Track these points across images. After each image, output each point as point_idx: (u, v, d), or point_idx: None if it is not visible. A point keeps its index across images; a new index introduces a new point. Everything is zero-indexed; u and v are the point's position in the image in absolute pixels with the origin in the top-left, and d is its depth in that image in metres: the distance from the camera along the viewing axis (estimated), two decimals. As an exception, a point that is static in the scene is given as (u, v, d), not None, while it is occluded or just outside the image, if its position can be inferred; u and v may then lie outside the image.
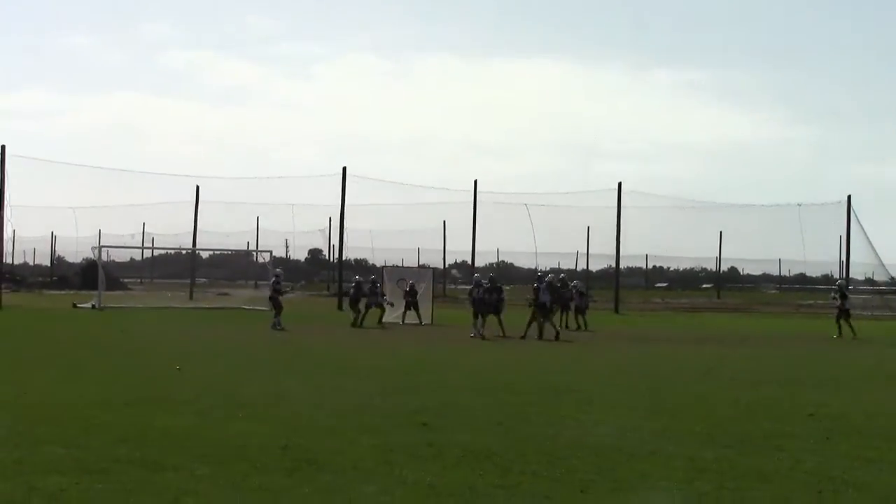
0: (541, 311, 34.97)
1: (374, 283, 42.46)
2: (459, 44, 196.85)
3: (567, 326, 39.50)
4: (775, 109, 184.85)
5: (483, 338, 33.65)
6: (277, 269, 43.47)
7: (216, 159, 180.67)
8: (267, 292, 42.31)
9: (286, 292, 41.75)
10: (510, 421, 14.33)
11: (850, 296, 40.56)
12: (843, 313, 38.42)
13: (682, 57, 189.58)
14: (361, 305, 41.21)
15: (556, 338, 33.83)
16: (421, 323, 42.13)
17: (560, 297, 38.42)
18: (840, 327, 37.77)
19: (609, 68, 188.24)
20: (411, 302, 43.35)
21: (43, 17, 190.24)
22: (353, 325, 39.75)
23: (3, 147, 52.33)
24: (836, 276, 69.79)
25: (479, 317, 35.27)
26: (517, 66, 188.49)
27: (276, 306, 38.57)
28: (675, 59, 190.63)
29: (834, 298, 39.72)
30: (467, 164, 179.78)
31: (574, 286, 42.12)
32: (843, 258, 67.82)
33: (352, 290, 42.32)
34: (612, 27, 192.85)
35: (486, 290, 36.23)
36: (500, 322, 35.22)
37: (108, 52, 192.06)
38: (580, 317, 41.05)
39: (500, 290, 36.72)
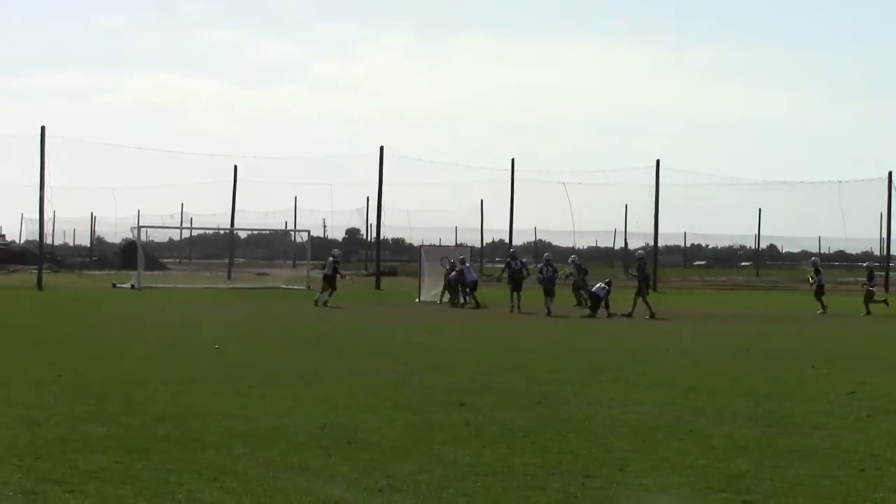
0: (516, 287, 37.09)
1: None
2: (498, 23, 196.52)
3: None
4: (815, 86, 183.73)
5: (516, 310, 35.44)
6: (336, 251, 43.93)
7: (254, 139, 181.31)
8: (303, 271, 42.50)
9: (343, 276, 41.69)
10: (548, 400, 14.31)
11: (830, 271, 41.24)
12: (820, 289, 39.09)
13: (723, 35, 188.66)
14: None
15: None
16: (465, 302, 41.27)
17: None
18: (823, 305, 38.38)
19: (648, 46, 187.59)
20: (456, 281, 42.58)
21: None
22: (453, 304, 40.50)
23: (43, 128, 52.65)
24: (877, 252, 69.26)
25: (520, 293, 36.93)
26: (555, 44, 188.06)
27: (330, 285, 39.31)
28: (715, 38, 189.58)
29: (811, 278, 40.46)
30: (505, 143, 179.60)
31: (572, 261, 41.82)
32: (884, 235, 67.36)
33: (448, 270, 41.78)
34: (652, 4, 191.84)
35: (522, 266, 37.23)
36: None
37: (146, 32, 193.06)
38: (581, 293, 40.37)
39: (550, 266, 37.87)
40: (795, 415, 13.36)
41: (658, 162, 64.74)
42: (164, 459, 9.98)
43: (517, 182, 66.14)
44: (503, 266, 41.19)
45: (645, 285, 36.14)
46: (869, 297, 38.41)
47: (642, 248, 47.48)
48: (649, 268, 37.89)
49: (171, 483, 9.04)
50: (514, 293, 36.98)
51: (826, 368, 18.95)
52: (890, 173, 63.65)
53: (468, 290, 39.88)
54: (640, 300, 35.22)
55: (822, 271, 40.28)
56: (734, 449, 10.97)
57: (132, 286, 51.22)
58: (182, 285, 56.01)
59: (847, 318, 35.70)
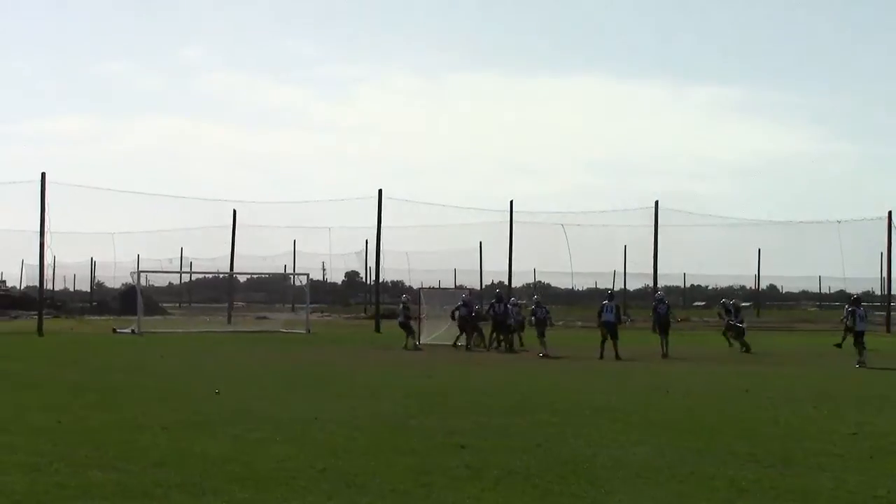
0: (502, 329, 39.01)
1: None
2: (498, 63, 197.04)
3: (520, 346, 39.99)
4: (813, 126, 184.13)
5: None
6: (405, 296, 45.01)
7: (255, 183, 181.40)
8: (303, 315, 43.10)
9: (412, 318, 42.85)
10: (548, 442, 14.28)
11: (743, 315, 42.07)
12: (734, 329, 40.05)
13: (719, 74, 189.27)
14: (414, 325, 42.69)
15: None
16: (487, 348, 41.04)
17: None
18: (728, 341, 40.18)
19: (646, 86, 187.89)
20: (470, 324, 42.36)
21: (79, 42, 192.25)
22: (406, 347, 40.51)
23: (44, 174, 52.77)
24: (877, 292, 69.18)
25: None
26: (554, 84, 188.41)
27: (408, 330, 41.39)
28: (712, 76, 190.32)
29: (720, 315, 42.39)
30: (504, 184, 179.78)
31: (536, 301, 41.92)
32: (884, 274, 67.38)
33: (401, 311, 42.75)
34: (649, 45, 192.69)
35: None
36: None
37: (146, 77, 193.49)
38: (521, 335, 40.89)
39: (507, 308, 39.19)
40: (797, 456, 13.33)
41: (657, 203, 64.96)
42: (164, 504, 9.95)
43: (516, 223, 66.26)
44: (488, 307, 41.66)
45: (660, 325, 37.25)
46: (730, 331, 40.26)
47: (660, 289, 48.06)
48: (667, 307, 38.03)
49: (170, 528, 9.01)
50: (496, 335, 39.30)
51: (827, 409, 18.92)
52: (890, 213, 63.74)
53: (509, 331, 39.18)
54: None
55: (740, 312, 41.24)
56: (735, 491, 10.94)
57: (132, 331, 51.18)
58: (182, 330, 55.96)
59: (852, 357, 35.61)
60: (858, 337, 32.39)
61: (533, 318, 38.07)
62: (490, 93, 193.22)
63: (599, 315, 35.49)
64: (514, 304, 40.33)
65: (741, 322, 40.23)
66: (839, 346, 34.61)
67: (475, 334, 41.53)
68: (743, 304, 44.69)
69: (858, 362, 31.43)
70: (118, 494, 10.39)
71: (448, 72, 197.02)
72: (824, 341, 38.99)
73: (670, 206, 68.30)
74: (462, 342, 40.51)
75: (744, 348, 38.52)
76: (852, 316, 33.14)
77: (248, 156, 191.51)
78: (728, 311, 40.81)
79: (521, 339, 40.17)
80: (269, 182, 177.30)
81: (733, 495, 10.68)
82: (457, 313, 41.00)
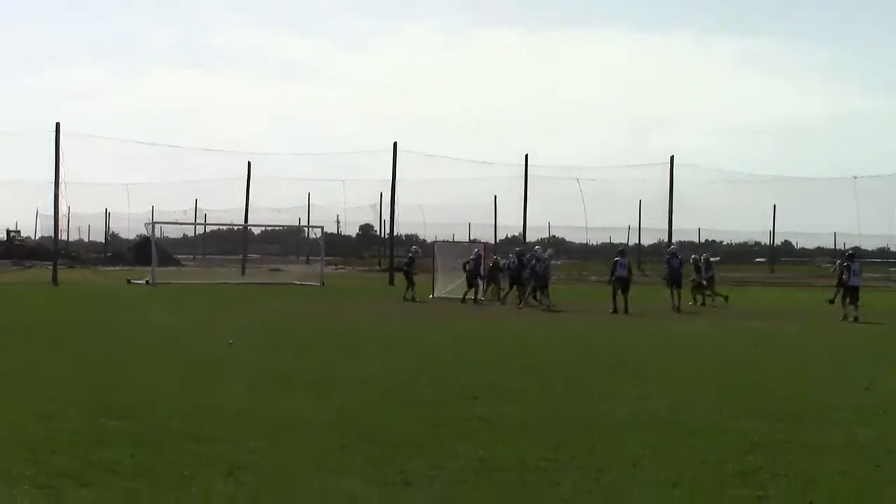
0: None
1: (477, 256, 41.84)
2: (519, 17, 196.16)
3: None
4: (832, 83, 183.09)
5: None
6: (414, 247, 45.07)
7: (269, 136, 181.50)
8: (317, 268, 43.29)
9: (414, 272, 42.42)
10: (562, 395, 14.30)
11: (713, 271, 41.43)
12: (700, 286, 39.75)
13: (743, 28, 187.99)
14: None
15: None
16: (500, 299, 41.15)
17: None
18: (694, 297, 39.36)
19: (669, 40, 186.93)
20: (493, 278, 42.25)
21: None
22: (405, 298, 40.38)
23: (58, 124, 52.77)
24: (893, 248, 68.98)
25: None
26: (576, 39, 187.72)
27: (409, 280, 41.22)
28: (735, 31, 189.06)
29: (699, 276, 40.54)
30: (521, 139, 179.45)
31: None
32: (900, 230, 67.12)
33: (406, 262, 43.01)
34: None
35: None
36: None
37: (163, 30, 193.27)
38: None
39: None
40: (810, 410, 13.32)
41: (672, 158, 64.67)
42: (177, 453, 9.99)
43: (531, 178, 66.07)
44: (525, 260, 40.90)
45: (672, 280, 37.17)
46: (697, 289, 39.69)
47: (674, 243, 47.39)
48: (679, 262, 37.94)
49: (184, 477, 9.05)
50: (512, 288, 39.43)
51: (840, 364, 18.92)
52: (904, 170, 63.36)
53: (541, 287, 37.99)
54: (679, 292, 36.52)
55: (710, 268, 40.90)
56: (748, 444, 10.94)
57: (146, 282, 51.31)
58: (196, 281, 56.06)
59: (864, 313, 35.55)
60: (853, 292, 32.44)
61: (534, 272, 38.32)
62: (510, 48, 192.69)
63: (613, 271, 35.49)
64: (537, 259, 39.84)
65: (707, 279, 39.98)
66: (832, 301, 34.31)
67: (491, 286, 41.69)
68: (712, 259, 43.51)
69: (854, 317, 31.45)
70: (132, 443, 10.43)
71: (469, 26, 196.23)
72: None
73: (687, 162, 68.09)
74: (471, 296, 40.46)
75: (718, 298, 38.78)
76: (847, 271, 33.15)
77: (264, 108, 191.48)
78: (697, 269, 40.22)
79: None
80: (284, 135, 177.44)
81: (745, 448, 10.68)
82: (468, 266, 40.82)
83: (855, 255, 35.49)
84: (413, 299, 39.71)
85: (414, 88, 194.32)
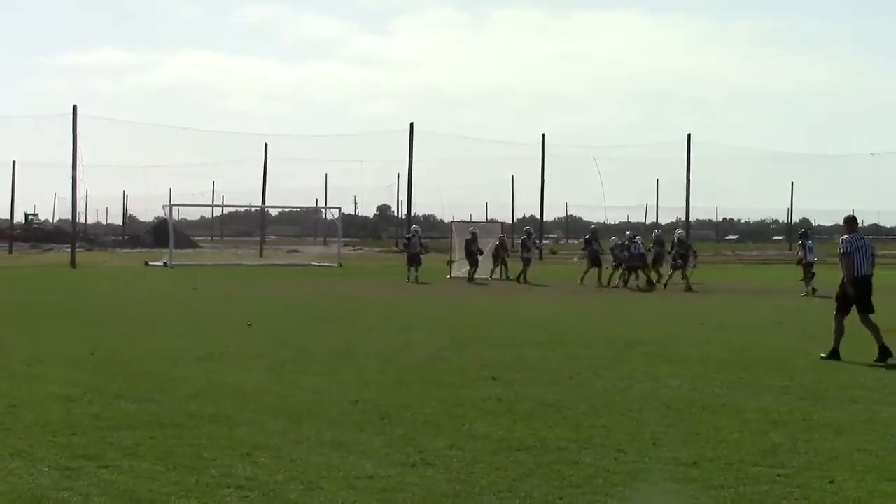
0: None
1: (528, 234, 42.30)
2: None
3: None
4: (850, 58, 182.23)
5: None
6: (414, 226, 44.72)
7: (289, 116, 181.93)
8: (334, 248, 43.11)
9: (420, 252, 42.04)
10: (580, 374, 14.28)
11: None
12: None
13: (762, 5, 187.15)
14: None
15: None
16: (509, 278, 41.71)
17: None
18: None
19: (688, 18, 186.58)
20: (498, 257, 42.83)
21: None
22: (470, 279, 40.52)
23: (75, 107, 52.91)
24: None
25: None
26: (596, 16, 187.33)
27: (409, 260, 40.81)
28: (755, 7, 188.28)
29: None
30: (539, 117, 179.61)
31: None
32: (918, 207, 66.84)
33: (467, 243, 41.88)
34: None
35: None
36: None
37: (183, 9, 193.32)
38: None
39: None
40: (830, 388, 13.27)
41: (689, 136, 64.54)
42: (196, 435, 10.01)
43: (549, 157, 66.04)
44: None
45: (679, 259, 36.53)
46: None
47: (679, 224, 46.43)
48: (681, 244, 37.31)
49: (203, 458, 9.06)
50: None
51: (860, 341, 18.82)
52: (923, 145, 63.12)
53: (638, 267, 37.47)
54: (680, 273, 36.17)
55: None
56: (768, 423, 10.90)
57: (164, 264, 51.48)
58: (214, 263, 56.21)
59: (881, 290, 35.36)
60: (808, 268, 32.54)
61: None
62: (530, 27, 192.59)
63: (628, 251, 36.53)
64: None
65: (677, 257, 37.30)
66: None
67: (499, 266, 42.30)
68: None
69: (805, 293, 31.48)
70: (151, 425, 10.45)
71: (489, 6, 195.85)
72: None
73: (705, 140, 68.15)
74: (482, 275, 41.05)
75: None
76: (802, 248, 33.30)
77: (286, 88, 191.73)
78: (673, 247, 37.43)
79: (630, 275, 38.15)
80: (304, 115, 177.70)
81: (765, 427, 10.64)
82: (475, 248, 41.00)
83: (808, 232, 36.10)
84: (415, 280, 39.22)
85: (432, 68, 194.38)
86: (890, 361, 15.87)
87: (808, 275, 32.76)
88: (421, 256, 41.37)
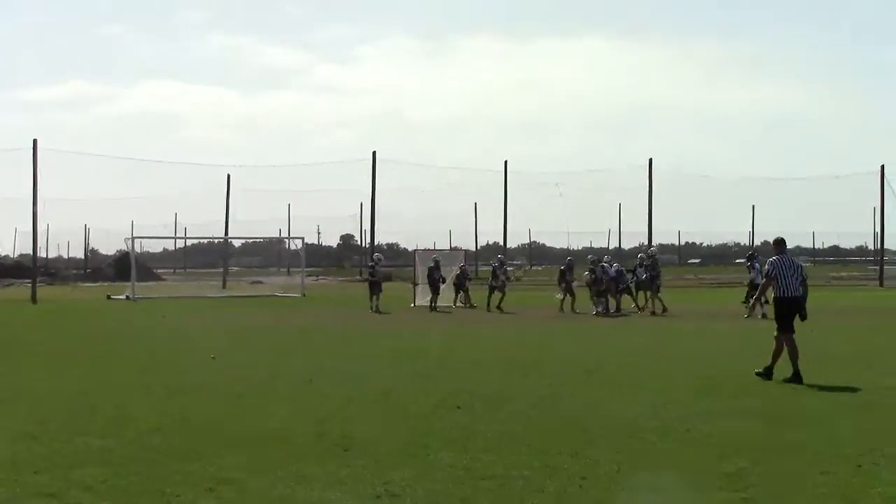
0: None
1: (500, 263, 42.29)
2: (500, 25, 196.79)
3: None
4: (808, 82, 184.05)
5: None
6: (376, 255, 44.69)
7: (252, 146, 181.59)
8: (298, 279, 42.95)
9: (380, 280, 41.62)
10: (543, 403, 14.29)
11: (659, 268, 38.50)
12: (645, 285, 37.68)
13: (721, 30, 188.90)
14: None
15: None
16: (472, 306, 41.84)
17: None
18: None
19: (646, 46, 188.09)
20: (461, 284, 42.94)
21: (79, 6, 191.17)
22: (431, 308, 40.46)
23: (35, 141, 52.56)
24: (871, 247, 69.19)
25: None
26: (558, 44, 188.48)
27: (372, 288, 40.17)
28: (714, 33, 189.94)
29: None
30: (502, 144, 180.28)
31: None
32: (877, 229, 67.58)
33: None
34: (651, 4, 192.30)
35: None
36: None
37: (144, 41, 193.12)
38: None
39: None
40: (792, 410, 13.36)
41: (651, 161, 64.96)
42: (159, 470, 9.93)
43: (511, 184, 66.28)
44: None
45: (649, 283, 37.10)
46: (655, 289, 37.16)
47: (653, 247, 46.08)
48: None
49: (166, 494, 9.00)
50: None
51: (820, 363, 18.95)
52: (882, 167, 63.81)
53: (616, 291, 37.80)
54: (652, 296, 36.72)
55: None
56: (731, 447, 10.94)
57: (127, 297, 51.17)
58: (177, 295, 55.92)
59: (842, 312, 35.72)
60: (753, 290, 32.85)
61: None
62: (492, 55, 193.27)
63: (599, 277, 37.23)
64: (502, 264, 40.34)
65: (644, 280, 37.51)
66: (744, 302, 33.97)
67: (460, 294, 42.66)
68: (603, 263, 38.82)
69: (749, 315, 31.69)
70: (112, 461, 10.37)
71: (450, 34, 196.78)
72: (817, 297, 38.94)
73: (666, 165, 68.83)
74: (444, 303, 41.28)
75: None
76: (751, 270, 33.74)
77: (247, 119, 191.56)
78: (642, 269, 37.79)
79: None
80: (267, 145, 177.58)
81: (729, 451, 10.68)
82: (437, 276, 41.15)
83: (755, 254, 36.53)
84: (376, 310, 38.65)
85: (394, 96, 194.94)
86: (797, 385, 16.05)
87: (753, 296, 32.85)
88: (382, 284, 41.16)
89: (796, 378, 16.24)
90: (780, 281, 17.06)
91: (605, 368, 18.59)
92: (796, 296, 17.07)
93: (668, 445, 11.09)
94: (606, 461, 10.24)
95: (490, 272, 41.59)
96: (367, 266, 42.00)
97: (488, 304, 39.42)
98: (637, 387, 15.98)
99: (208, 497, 8.91)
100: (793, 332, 16.96)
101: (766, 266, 17.49)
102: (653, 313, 35.65)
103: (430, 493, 9.00)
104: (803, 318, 17.28)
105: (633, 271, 38.06)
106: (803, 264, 18.55)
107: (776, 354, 16.82)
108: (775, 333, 17.04)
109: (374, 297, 39.37)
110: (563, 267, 39.87)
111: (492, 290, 39.91)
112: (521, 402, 14.36)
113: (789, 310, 17.02)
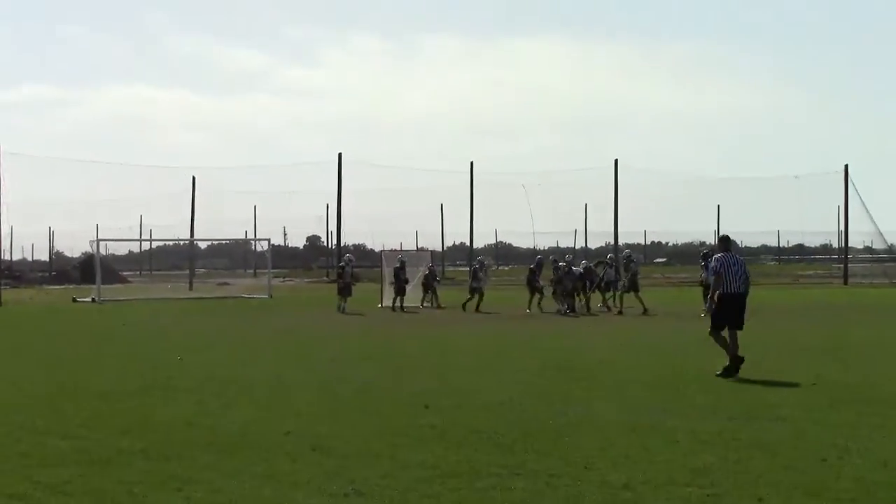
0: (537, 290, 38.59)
1: (481, 264, 42.20)
2: (466, 24, 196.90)
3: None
4: (772, 81, 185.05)
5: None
6: (347, 255, 44.54)
7: (218, 148, 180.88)
8: (264, 280, 42.80)
9: (351, 282, 41.55)
10: (512, 400, 14.32)
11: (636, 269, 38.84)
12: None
13: (685, 30, 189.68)
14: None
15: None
16: (440, 306, 41.88)
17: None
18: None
19: (616, 44, 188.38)
20: (429, 284, 43.05)
21: (43, 8, 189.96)
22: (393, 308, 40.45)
23: (-2, 146, 52.24)
24: (835, 245, 69.76)
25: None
26: (524, 44, 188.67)
27: (340, 291, 40.15)
28: (679, 33, 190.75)
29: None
30: (469, 145, 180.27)
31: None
32: (842, 227, 68.03)
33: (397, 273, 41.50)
34: (619, 2, 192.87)
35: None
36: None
37: (110, 43, 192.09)
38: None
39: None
40: (758, 407, 13.44)
41: (616, 161, 65.22)
42: (127, 471, 9.91)
43: (477, 184, 66.36)
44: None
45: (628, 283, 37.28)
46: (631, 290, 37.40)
47: (627, 250, 46.07)
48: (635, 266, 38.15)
49: (134, 494, 8.99)
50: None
51: (787, 360, 19.09)
52: (847, 167, 64.26)
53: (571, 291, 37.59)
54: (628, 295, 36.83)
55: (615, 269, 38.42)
56: (697, 443, 11.02)
57: (93, 300, 50.94)
58: (143, 297, 55.66)
59: (809, 309, 35.98)
60: (707, 289, 33.20)
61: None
62: (458, 55, 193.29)
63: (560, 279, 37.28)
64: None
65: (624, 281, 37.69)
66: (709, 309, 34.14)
67: (427, 294, 42.79)
68: (560, 264, 38.62)
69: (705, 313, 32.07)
70: (80, 462, 10.34)
71: (414, 34, 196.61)
72: (783, 295, 39.24)
73: (632, 165, 69.25)
74: (412, 303, 41.37)
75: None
76: (705, 270, 33.90)
77: (213, 121, 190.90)
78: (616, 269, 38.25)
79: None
80: (233, 147, 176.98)
81: (695, 448, 10.76)
82: (404, 276, 41.27)
83: (710, 253, 36.67)
84: (343, 311, 38.73)
85: (360, 98, 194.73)
86: (733, 378, 16.50)
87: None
88: (352, 287, 41.12)
89: (731, 371, 16.77)
90: (724, 277, 17.42)
91: (573, 366, 18.66)
92: (739, 292, 17.43)
93: (635, 442, 11.14)
94: (573, 458, 10.28)
95: (470, 273, 41.35)
96: (336, 267, 41.74)
97: (464, 305, 39.19)
98: (605, 384, 16.06)
99: (177, 497, 8.89)
100: (723, 328, 17.39)
101: (713, 263, 17.83)
102: (620, 313, 35.84)
103: (398, 491, 9.01)
104: (745, 316, 17.66)
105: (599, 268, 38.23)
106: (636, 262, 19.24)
107: (728, 350, 17.12)
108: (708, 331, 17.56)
109: (343, 299, 39.35)
110: (533, 266, 39.93)
111: (472, 291, 39.77)
112: (490, 400, 14.39)
113: (730, 306, 17.37)
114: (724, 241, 18.23)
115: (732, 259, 17.61)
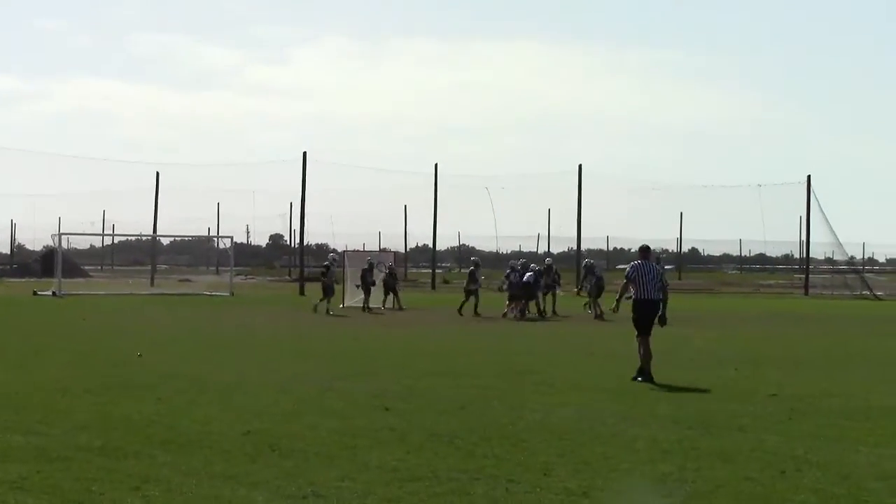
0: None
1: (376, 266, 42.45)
2: (435, 27, 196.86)
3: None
4: (736, 91, 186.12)
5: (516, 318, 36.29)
6: (331, 254, 44.38)
7: (182, 144, 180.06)
8: (227, 278, 42.59)
9: (334, 282, 40.88)
10: (472, 404, 14.33)
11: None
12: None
13: (654, 38, 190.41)
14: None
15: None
16: (401, 308, 41.73)
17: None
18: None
19: (585, 49, 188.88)
20: (390, 285, 42.85)
21: (11, 1, 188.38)
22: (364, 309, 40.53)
23: (-41, 135, 51.86)
24: (797, 255, 70.12)
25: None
26: (494, 47, 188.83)
27: (325, 291, 39.29)
28: (647, 40, 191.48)
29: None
30: (434, 147, 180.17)
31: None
32: (804, 237, 68.47)
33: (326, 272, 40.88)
34: (588, 8, 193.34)
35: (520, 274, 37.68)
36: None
37: (75, 37, 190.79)
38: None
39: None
40: (718, 417, 13.49)
41: (580, 167, 65.38)
42: (85, 468, 9.85)
43: (441, 186, 66.37)
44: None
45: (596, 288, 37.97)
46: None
47: (548, 258, 46.14)
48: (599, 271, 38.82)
49: (92, 492, 8.93)
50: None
51: (748, 370, 19.19)
52: (809, 177, 64.67)
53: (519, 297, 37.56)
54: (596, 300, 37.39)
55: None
56: (658, 451, 11.05)
57: (53, 293, 50.62)
58: (104, 292, 55.37)
59: (770, 319, 36.18)
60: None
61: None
62: (427, 57, 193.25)
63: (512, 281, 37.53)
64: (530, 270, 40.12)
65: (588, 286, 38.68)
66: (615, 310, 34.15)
67: (389, 295, 42.67)
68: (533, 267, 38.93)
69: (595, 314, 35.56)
70: (38, 458, 10.26)
71: (384, 36, 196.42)
72: (744, 304, 39.44)
73: (596, 170, 69.53)
74: (375, 304, 41.66)
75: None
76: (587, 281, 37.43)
77: (180, 117, 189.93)
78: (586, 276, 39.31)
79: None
80: (198, 144, 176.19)
81: (655, 456, 10.79)
82: (370, 278, 41.36)
83: (593, 267, 38.11)
84: (327, 312, 38.36)
85: (327, 97, 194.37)
86: (649, 384, 17.02)
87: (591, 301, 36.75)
88: (334, 287, 40.53)
89: (645, 376, 17.44)
90: (638, 284, 18.01)
91: (534, 371, 18.68)
92: (653, 299, 18.02)
93: (595, 449, 11.16)
94: (533, 464, 10.29)
95: (468, 276, 41.01)
96: (321, 266, 41.73)
97: (460, 308, 38.31)
98: (565, 389, 16.09)
99: (134, 496, 8.84)
100: (648, 334, 17.88)
101: (627, 269, 18.38)
102: (553, 313, 37.69)
103: (357, 494, 8.99)
104: (662, 322, 18.25)
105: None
106: (667, 268, 19.76)
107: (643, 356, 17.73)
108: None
109: (326, 300, 38.89)
110: (472, 267, 39.87)
111: (468, 294, 39.32)
112: (450, 403, 14.39)
113: (644, 313, 17.97)
114: (644, 251, 18.78)
115: (648, 267, 18.17)
